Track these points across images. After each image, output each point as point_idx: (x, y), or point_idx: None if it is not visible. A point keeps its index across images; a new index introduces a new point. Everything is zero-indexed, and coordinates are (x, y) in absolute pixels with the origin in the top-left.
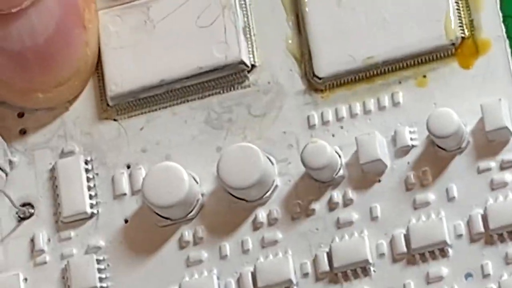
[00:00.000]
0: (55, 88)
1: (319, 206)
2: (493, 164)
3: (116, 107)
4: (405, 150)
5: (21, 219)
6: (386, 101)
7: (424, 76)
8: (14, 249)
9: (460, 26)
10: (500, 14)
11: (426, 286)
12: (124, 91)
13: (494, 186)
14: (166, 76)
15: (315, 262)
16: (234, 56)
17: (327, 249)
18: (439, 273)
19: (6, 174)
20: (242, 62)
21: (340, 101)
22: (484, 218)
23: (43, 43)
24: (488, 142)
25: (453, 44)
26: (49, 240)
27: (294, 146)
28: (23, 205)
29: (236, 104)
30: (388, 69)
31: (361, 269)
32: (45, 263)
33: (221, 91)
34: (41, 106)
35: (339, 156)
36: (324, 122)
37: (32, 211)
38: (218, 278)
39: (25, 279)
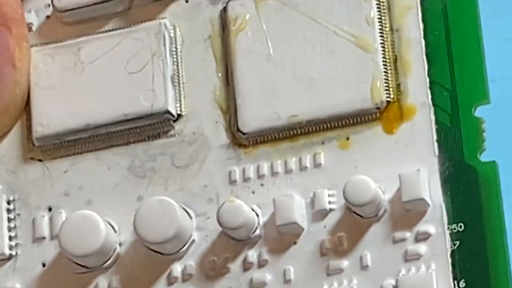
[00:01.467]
0: None
1: (234, 264)
2: (408, 234)
3: (42, 147)
4: (323, 213)
5: None
6: (307, 161)
7: (347, 139)
8: None
9: (386, 90)
10: (428, 80)
11: None
12: (50, 133)
13: (408, 257)
14: (91, 120)
15: None
16: (161, 105)
17: None
18: None
19: None
20: (168, 112)
21: (263, 158)
22: None
23: None
24: (405, 211)
25: (378, 108)
26: None
27: (214, 201)
28: None
29: (160, 153)
30: (312, 128)
31: None
32: None
33: (146, 139)
34: None
35: (257, 215)
36: (245, 179)
37: None
38: None
39: None
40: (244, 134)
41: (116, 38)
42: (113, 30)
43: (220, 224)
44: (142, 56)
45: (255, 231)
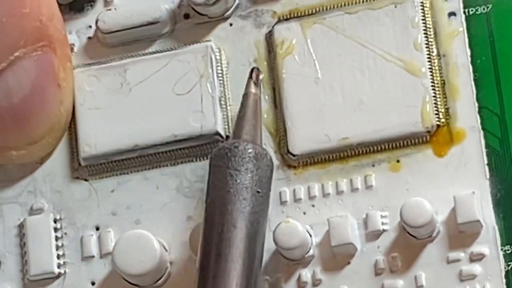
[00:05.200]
0: (28, 145)
1: (287, 284)
2: (462, 255)
3: (88, 167)
4: (376, 234)
5: None
6: (358, 183)
7: (398, 161)
8: None
9: (436, 114)
10: (476, 105)
11: None
12: (97, 153)
13: (463, 278)
14: (140, 141)
15: None
16: (210, 127)
17: None
18: None
19: None
20: (218, 133)
21: (313, 180)
22: None
23: (18, 102)
24: (459, 232)
25: (429, 131)
26: None
27: None
28: None
29: None
30: (362, 151)
31: None
32: None
33: (194, 160)
34: (13, 162)
35: (310, 236)
36: (296, 200)
37: None
38: None
39: None
40: (294, 156)
41: (162, 60)
42: (156, 52)
43: (276, 244)
44: (189, 78)
45: (308, 251)
